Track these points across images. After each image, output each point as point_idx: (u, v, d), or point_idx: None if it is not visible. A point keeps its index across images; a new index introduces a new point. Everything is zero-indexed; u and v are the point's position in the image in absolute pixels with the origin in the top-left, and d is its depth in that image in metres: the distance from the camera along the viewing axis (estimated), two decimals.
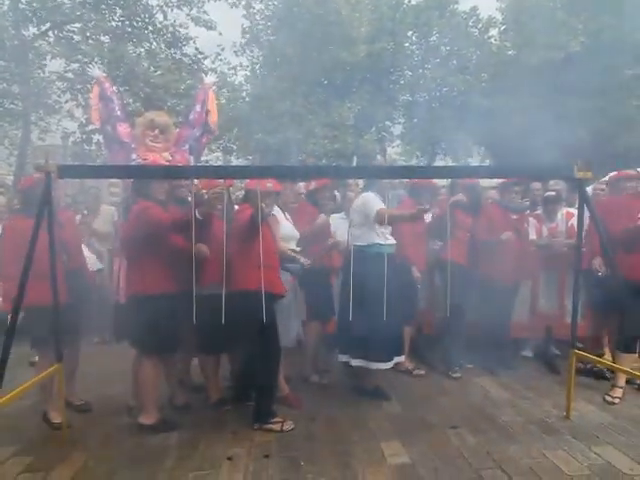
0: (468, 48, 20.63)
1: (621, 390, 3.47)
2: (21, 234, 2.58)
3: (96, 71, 6.18)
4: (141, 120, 5.36)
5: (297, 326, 3.60)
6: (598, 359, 3.17)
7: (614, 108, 10.61)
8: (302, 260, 3.34)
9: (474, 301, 4.40)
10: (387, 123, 22.98)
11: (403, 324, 3.65)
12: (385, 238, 3.42)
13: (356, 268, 3.24)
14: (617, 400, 3.39)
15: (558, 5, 11.89)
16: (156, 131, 5.32)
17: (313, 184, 4.10)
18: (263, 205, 2.93)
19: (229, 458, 2.67)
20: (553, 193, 4.37)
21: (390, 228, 3.50)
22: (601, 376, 3.83)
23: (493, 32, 21.18)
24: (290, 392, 3.46)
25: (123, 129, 5.40)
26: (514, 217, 4.01)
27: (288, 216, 3.61)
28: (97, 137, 10.91)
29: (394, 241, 3.52)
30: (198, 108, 5.29)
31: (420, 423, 3.10)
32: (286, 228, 3.50)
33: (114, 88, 5.89)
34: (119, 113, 5.35)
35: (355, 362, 3.43)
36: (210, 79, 5.72)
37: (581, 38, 10.62)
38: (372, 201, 3.39)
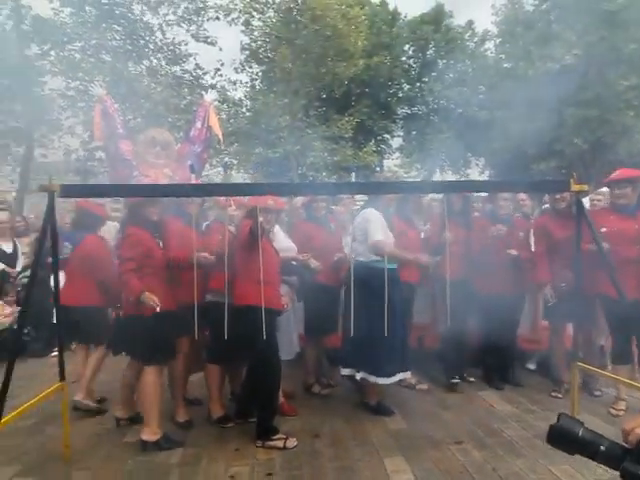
0: (464, 61, 20.95)
1: (624, 402, 3.45)
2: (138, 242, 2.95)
3: (99, 90, 6.28)
4: (142, 137, 5.43)
5: (296, 339, 3.61)
6: (600, 371, 3.16)
7: (612, 118, 10.72)
8: (313, 264, 3.39)
9: (475, 314, 4.42)
10: (386, 136, 23.22)
11: (406, 340, 3.60)
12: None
13: (358, 283, 3.25)
14: (622, 412, 3.37)
15: (552, 18, 12.09)
16: (157, 148, 5.39)
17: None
18: (263, 220, 2.95)
19: (231, 477, 2.64)
20: (547, 206, 4.40)
21: (392, 242, 3.48)
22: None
23: (489, 45, 21.50)
24: (284, 401, 3.46)
25: (125, 146, 5.46)
26: (505, 228, 3.99)
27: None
28: (100, 154, 11.02)
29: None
30: (199, 125, 5.35)
31: (424, 439, 3.08)
32: (283, 240, 3.54)
33: (116, 106, 5.99)
34: (121, 131, 5.41)
35: (359, 375, 3.43)
36: (210, 96, 5.78)
37: (576, 50, 10.78)
38: (373, 223, 3.37)
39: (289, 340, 3.63)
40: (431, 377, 4.24)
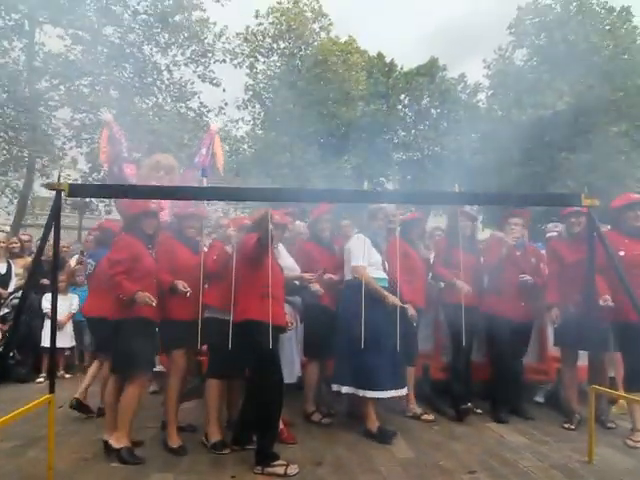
0: (457, 111, 21.82)
1: None
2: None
3: (106, 115, 6.39)
4: (147, 161, 5.47)
5: (298, 362, 3.47)
6: (618, 393, 3.03)
7: (603, 162, 11.05)
8: (313, 288, 3.32)
9: (481, 342, 4.31)
10: (382, 179, 23.71)
11: (398, 357, 3.47)
12: (371, 272, 3.51)
13: (344, 300, 3.55)
14: (639, 444, 3.21)
15: (542, 69, 12.73)
16: (161, 172, 5.40)
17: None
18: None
19: None
20: (555, 233, 4.41)
21: (380, 262, 3.61)
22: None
23: (481, 96, 22.46)
24: (285, 427, 3.28)
25: (129, 170, 5.49)
26: (517, 253, 3.98)
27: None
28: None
29: (383, 275, 3.60)
30: (204, 152, 5.41)
31: (434, 468, 2.89)
32: (287, 260, 3.48)
33: (122, 131, 6.08)
34: (126, 154, 5.46)
35: (345, 389, 3.42)
36: (216, 125, 5.92)
37: (567, 98, 11.28)
38: (355, 248, 3.55)
39: (291, 363, 3.49)
40: (437, 408, 4.05)
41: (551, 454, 3.11)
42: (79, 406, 3.79)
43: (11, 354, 5.21)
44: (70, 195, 2.35)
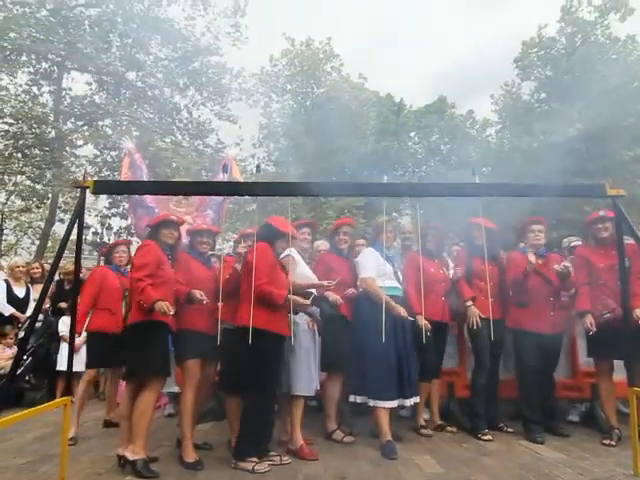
0: (467, 147, 22.14)
1: None
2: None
3: (128, 143, 6.62)
4: None
5: (316, 374, 3.36)
6: None
7: (620, 187, 10.89)
8: (331, 297, 3.27)
9: (508, 357, 4.12)
10: (394, 215, 23.83)
11: (409, 368, 3.43)
12: (382, 281, 3.54)
13: (356, 311, 3.59)
14: None
15: (550, 100, 12.94)
16: (180, 196, 5.53)
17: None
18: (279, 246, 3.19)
19: None
20: (580, 242, 4.31)
21: (392, 272, 3.63)
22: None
23: (490, 131, 22.81)
24: (305, 443, 3.19)
25: (149, 196, 5.63)
26: (539, 262, 3.86)
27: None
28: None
29: (396, 284, 3.62)
30: (221, 176, 5.53)
31: None
32: (303, 269, 3.45)
33: (143, 158, 6.28)
34: (146, 179, 5.61)
35: (358, 399, 3.42)
36: (233, 150, 6.08)
37: (577, 124, 11.36)
38: (364, 263, 3.62)
39: (308, 375, 3.36)
40: (464, 427, 3.83)
41: (593, 469, 2.88)
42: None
43: (26, 378, 5.17)
44: (95, 192, 2.40)
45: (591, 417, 4.03)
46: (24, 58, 12.03)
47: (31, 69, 12.34)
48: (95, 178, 12.01)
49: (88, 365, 3.94)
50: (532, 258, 3.65)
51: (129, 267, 3.71)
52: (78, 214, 2.34)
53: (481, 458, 3.13)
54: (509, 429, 3.74)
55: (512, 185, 2.97)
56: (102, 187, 2.41)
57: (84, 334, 5.57)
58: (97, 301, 3.82)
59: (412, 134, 25.42)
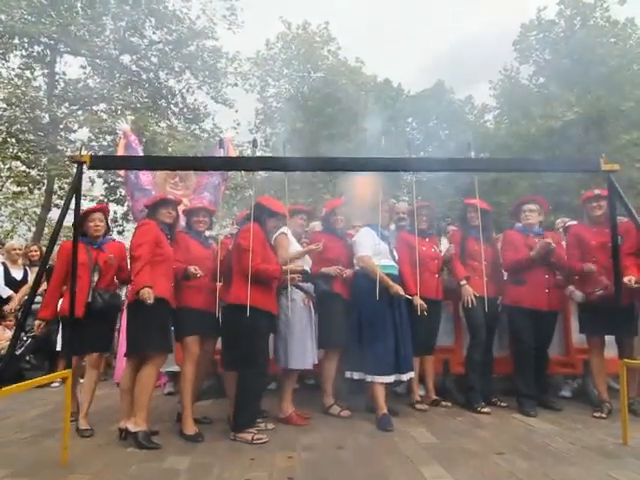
0: (465, 132, 22.02)
1: None
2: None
3: (123, 125, 6.55)
4: None
5: (312, 349, 3.42)
6: None
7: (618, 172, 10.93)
8: (332, 270, 3.34)
9: (503, 335, 4.19)
10: (392, 201, 23.80)
11: (407, 344, 3.51)
12: (379, 260, 3.54)
13: (353, 290, 3.65)
14: None
15: (549, 84, 12.84)
16: (177, 178, 5.53)
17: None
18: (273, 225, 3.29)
19: None
20: (574, 222, 4.35)
21: (388, 252, 3.67)
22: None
23: (488, 117, 22.66)
24: (293, 411, 3.34)
25: (145, 177, 5.61)
26: (535, 240, 3.88)
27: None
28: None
29: (391, 263, 3.66)
30: (218, 152, 5.52)
31: (460, 451, 2.76)
32: (296, 247, 3.49)
33: (138, 140, 6.24)
34: None
35: (356, 376, 3.48)
36: (230, 133, 6.04)
37: (576, 108, 11.32)
38: (362, 242, 3.64)
39: (303, 350, 3.40)
40: (458, 403, 3.91)
41: (583, 438, 2.96)
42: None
43: (27, 359, 5.22)
44: (92, 167, 2.40)
45: (583, 393, 4.13)
46: (16, 41, 11.84)
47: (23, 52, 12.16)
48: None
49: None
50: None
51: (108, 239, 3.52)
52: (75, 189, 2.35)
53: (475, 430, 3.21)
54: (502, 404, 3.82)
55: (506, 160, 2.99)
56: (99, 162, 2.41)
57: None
58: (66, 281, 3.23)
59: (409, 120, 25.28)
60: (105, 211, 3.51)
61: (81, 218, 3.10)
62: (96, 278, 3.23)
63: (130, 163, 2.82)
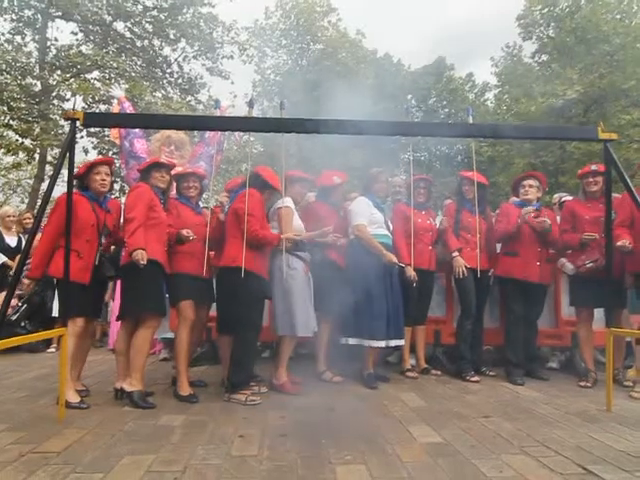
0: (464, 111, 21.76)
1: None
2: None
3: (117, 91, 6.41)
4: (158, 136, 5.50)
5: (313, 316, 3.44)
6: (637, 332, 2.96)
7: (615, 152, 10.91)
8: (329, 240, 3.44)
9: (493, 306, 4.26)
10: (390, 179, 23.67)
11: (398, 311, 3.59)
12: (374, 229, 3.61)
13: (348, 258, 3.66)
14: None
15: (551, 61, 12.64)
16: (172, 147, 5.46)
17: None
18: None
19: (241, 436, 2.41)
20: (570, 197, 4.37)
21: (382, 221, 3.71)
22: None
23: (489, 95, 22.39)
24: (287, 380, 3.36)
25: (140, 145, 5.54)
26: (532, 213, 3.90)
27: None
28: None
29: (386, 232, 3.71)
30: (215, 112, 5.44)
31: (448, 413, 2.84)
32: (297, 221, 3.48)
33: (132, 108, 6.12)
34: (137, 129, 5.50)
35: (351, 341, 3.55)
36: (226, 102, 5.95)
37: (577, 87, 11.19)
38: (357, 210, 3.69)
39: (307, 317, 3.43)
40: (449, 372, 4.00)
41: (568, 405, 3.04)
42: None
43: (22, 324, 5.25)
44: (85, 124, 2.36)
45: (570, 365, 4.22)
46: (5, 4, 11.46)
47: (13, 16, 11.78)
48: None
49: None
50: (529, 209, 3.70)
51: (109, 197, 3.27)
52: (69, 147, 2.32)
53: (463, 395, 3.29)
54: (491, 373, 3.90)
55: (503, 126, 2.96)
56: (92, 119, 2.37)
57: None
58: (61, 239, 2.83)
59: (409, 97, 24.93)
60: (110, 164, 3.21)
61: (86, 170, 2.97)
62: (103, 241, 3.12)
63: (124, 120, 2.78)
